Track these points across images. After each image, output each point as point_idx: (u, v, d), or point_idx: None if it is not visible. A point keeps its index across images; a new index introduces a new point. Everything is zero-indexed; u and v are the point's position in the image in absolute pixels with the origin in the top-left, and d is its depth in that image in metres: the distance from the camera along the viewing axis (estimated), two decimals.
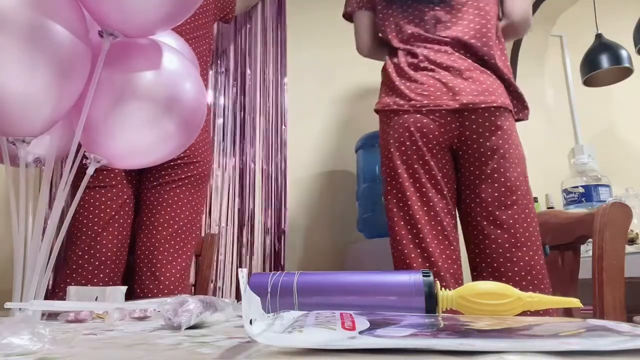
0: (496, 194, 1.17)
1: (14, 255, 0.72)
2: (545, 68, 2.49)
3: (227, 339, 0.40)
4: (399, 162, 1.20)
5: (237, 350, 0.33)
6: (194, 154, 1.31)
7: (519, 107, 1.28)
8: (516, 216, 1.15)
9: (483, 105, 1.17)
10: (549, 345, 0.26)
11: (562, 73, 2.56)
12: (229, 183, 1.86)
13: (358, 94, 2.16)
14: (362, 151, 1.87)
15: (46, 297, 0.75)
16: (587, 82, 2.32)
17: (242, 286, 0.34)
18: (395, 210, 1.19)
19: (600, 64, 2.22)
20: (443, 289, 0.47)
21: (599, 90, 2.41)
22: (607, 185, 2.10)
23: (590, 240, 0.98)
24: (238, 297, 1.67)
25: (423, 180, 1.18)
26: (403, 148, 1.19)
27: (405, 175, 1.19)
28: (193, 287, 1.54)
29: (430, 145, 1.19)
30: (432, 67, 1.23)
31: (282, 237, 1.87)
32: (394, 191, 1.20)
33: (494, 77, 1.23)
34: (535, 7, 2.32)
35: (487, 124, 1.18)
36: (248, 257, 1.82)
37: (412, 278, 0.47)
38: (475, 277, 1.19)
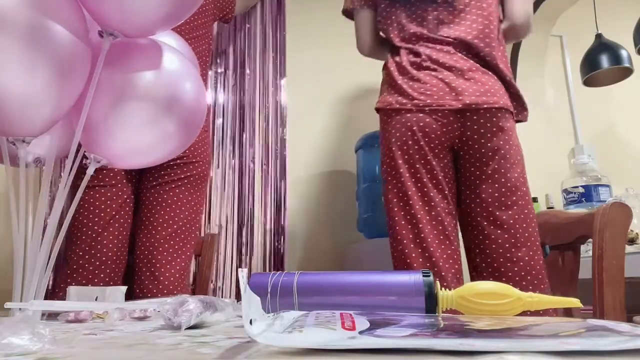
0: (496, 195, 1.17)
1: (14, 255, 0.72)
2: (545, 68, 2.49)
3: (227, 339, 0.40)
4: (400, 162, 1.19)
5: (237, 350, 0.33)
6: (194, 154, 1.31)
7: (519, 108, 1.29)
8: (516, 216, 1.16)
9: (485, 106, 1.18)
10: (549, 345, 0.26)
11: (562, 73, 2.56)
12: (229, 183, 1.87)
13: (358, 94, 2.16)
14: (362, 151, 1.87)
15: (46, 297, 0.75)
16: (587, 82, 2.32)
17: (242, 286, 0.34)
18: (396, 209, 1.19)
19: (600, 64, 2.22)
20: (443, 289, 0.47)
21: (599, 90, 2.41)
22: (607, 185, 2.10)
23: (590, 240, 0.98)
24: (238, 297, 1.67)
25: (425, 180, 1.18)
26: (405, 147, 1.19)
27: (407, 175, 1.18)
28: (193, 287, 1.54)
29: (432, 145, 1.19)
30: (435, 66, 1.23)
31: (282, 237, 1.87)
32: (395, 190, 1.20)
33: (495, 78, 1.23)
34: (535, 7, 2.32)
35: (488, 124, 1.18)
36: (248, 257, 1.82)
37: (412, 278, 0.47)
38: (475, 277, 1.19)
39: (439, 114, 1.18)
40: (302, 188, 2.00)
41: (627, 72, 2.25)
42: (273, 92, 2.01)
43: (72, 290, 0.77)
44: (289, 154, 1.98)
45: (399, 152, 1.20)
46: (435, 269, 1.12)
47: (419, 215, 1.16)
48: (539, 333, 0.31)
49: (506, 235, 1.15)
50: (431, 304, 0.46)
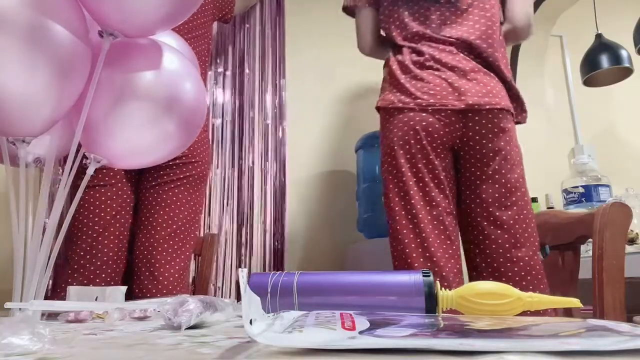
0: (497, 195, 1.17)
1: (14, 255, 0.72)
2: (545, 68, 2.49)
3: (227, 339, 0.40)
4: (402, 161, 1.19)
5: (237, 350, 0.33)
6: (193, 154, 1.31)
7: (518, 110, 1.29)
8: (516, 217, 1.16)
9: (487, 107, 1.18)
10: (549, 345, 0.26)
11: (562, 73, 2.56)
12: (228, 183, 1.87)
13: (358, 94, 2.16)
14: (362, 151, 1.87)
15: (47, 297, 0.75)
16: (587, 82, 2.32)
17: (242, 286, 0.34)
18: (397, 208, 1.18)
19: (600, 64, 2.22)
20: (443, 288, 0.47)
21: (599, 90, 2.41)
22: (607, 185, 2.10)
23: (590, 240, 0.98)
24: (238, 297, 1.67)
25: (426, 179, 1.17)
26: (407, 146, 1.19)
27: (409, 174, 1.18)
28: (192, 287, 1.54)
29: (434, 145, 1.19)
30: (438, 66, 1.22)
31: (282, 237, 1.87)
32: (396, 189, 1.19)
33: (497, 79, 1.23)
34: (535, 7, 2.32)
35: (490, 125, 1.18)
36: (248, 257, 1.82)
37: (412, 278, 0.47)
38: (474, 277, 1.19)
39: (442, 114, 1.18)
40: (302, 188, 2.00)
41: (627, 72, 2.25)
42: (272, 91, 2.01)
43: (72, 290, 0.77)
44: (289, 154, 1.98)
45: (401, 151, 1.19)
46: (436, 269, 1.12)
47: (420, 215, 1.15)
48: (539, 333, 0.31)
49: (506, 236, 1.15)
50: (431, 304, 0.46)
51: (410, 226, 1.16)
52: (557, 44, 2.58)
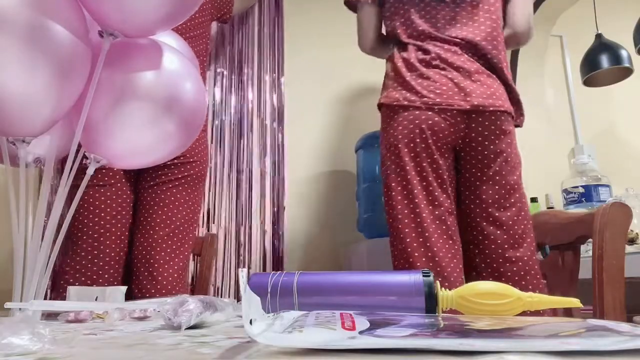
0: (496, 196, 1.18)
1: (14, 255, 0.72)
2: (545, 68, 2.49)
3: (227, 339, 0.40)
4: (407, 159, 1.18)
5: (237, 350, 0.33)
6: (191, 154, 1.30)
7: (517, 113, 1.29)
8: (515, 217, 1.17)
9: (491, 109, 1.18)
10: (549, 345, 0.26)
11: (562, 73, 2.56)
12: (227, 183, 1.87)
13: (358, 94, 2.16)
14: (362, 151, 1.87)
15: (49, 298, 0.75)
16: (587, 82, 2.32)
17: (242, 286, 0.34)
18: (400, 207, 1.17)
19: (600, 64, 2.22)
20: (444, 288, 0.47)
21: (599, 90, 2.41)
22: (607, 185, 2.10)
23: (590, 240, 0.98)
24: (238, 297, 1.67)
25: (430, 178, 1.17)
26: (412, 145, 1.18)
27: (413, 173, 1.17)
28: (192, 287, 1.54)
29: (439, 144, 1.18)
30: (444, 65, 1.22)
31: (281, 236, 1.87)
32: (399, 188, 1.18)
33: (499, 82, 1.24)
34: (535, 7, 2.32)
35: (492, 127, 1.18)
36: (247, 257, 1.82)
37: (412, 278, 0.47)
38: (473, 277, 1.19)
39: (448, 114, 1.18)
40: (302, 188, 2.00)
41: (627, 72, 2.25)
42: (271, 91, 2.01)
43: (72, 290, 0.77)
44: (289, 154, 1.98)
45: (406, 150, 1.18)
46: (439, 269, 1.11)
47: (423, 214, 1.15)
48: (539, 333, 0.31)
49: (505, 236, 1.16)
50: (431, 304, 0.46)
51: (413, 225, 1.15)
52: (557, 44, 2.58)
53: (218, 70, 1.96)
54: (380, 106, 1.29)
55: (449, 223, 1.16)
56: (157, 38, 0.83)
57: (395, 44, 1.34)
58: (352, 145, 1.94)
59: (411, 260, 1.13)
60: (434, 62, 1.23)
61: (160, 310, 0.50)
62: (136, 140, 0.80)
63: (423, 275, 0.47)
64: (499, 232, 1.16)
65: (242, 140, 1.92)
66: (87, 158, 0.80)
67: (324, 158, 2.06)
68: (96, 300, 0.76)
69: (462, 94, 1.18)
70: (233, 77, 1.98)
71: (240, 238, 1.83)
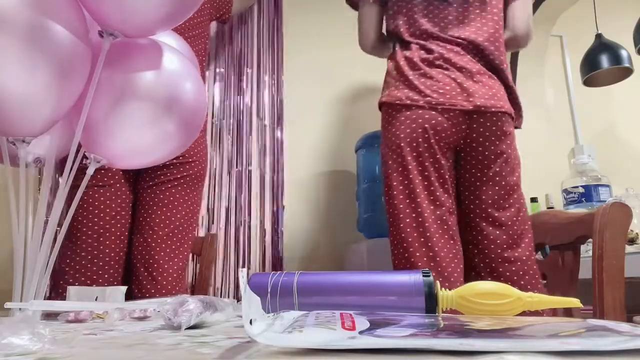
0: (496, 197, 1.18)
1: (14, 255, 0.72)
2: (545, 68, 2.49)
3: (227, 339, 0.40)
4: (409, 158, 1.17)
5: (237, 350, 0.33)
6: (190, 154, 1.30)
7: (516, 114, 1.29)
8: (514, 218, 1.18)
9: (493, 109, 1.18)
10: (549, 345, 0.26)
11: (562, 73, 2.56)
12: (226, 183, 1.87)
13: (358, 94, 2.16)
14: (362, 151, 1.87)
15: (47, 297, 0.75)
16: (587, 82, 2.32)
17: (242, 286, 0.34)
18: (401, 206, 1.17)
19: (600, 64, 2.22)
20: (445, 289, 0.47)
21: (599, 90, 2.41)
22: (607, 185, 2.10)
23: (590, 240, 0.98)
24: (238, 297, 1.67)
25: (432, 178, 1.17)
26: (414, 144, 1.18)
27: (416, 172, 1.17)
28: (192, 287, 1.54)
29: (441, 144, 1.18)
30: (447, 65, 1.22)
31: (281, 236, 1.87)
32: (401, 187, 1.18)
33: (500, 83, 1.24)
34: (535, 7, 2.32)
35: (494, 128, 1.18)
36: (247, 257, 1.82)
37: (412, 278, 0.47)
38: (473, 277, 1.19)
39: (450, 114, 1.18)
40: (302, 188, 2.00)
41: (627, 72, 2.24)
42: (270, 91, 2.01)
43: (72, 290, 0.77)
44: (289, 154, 1.98)
45: (408, 149, 1.18)
46: (440, 269, 1.11)
47: (425, 214, 1.14)
48: (539, 333, 0.31)
49: (504, 236, 1.16)
50: (431, 304, 0.45)
51: (415, 225, 1.15)
52: (557, 44, 2.58)
53: (217, 69, 1.96)
54: (381, 105, 1.28)
55: (450, 223, 1.16)
56: (157, 38, 0.83)
57: (398, 43, 1.33)
58: (352, 145, 1.94)
59: (412, 260, 1.13)
60: (437, 62, 1.22)
61: (160, 310, 0.50)
62: (136, 140, 0.80)
63: (423, 275, 0.47)
64: (498, 232, 1.17)
65: (241, 140, 1.92)
66: (87, 158, 0.80)
67: (324, 158, 2.06)
68: (96, 300, 0.76)
69: (465, 94, 1.18)
70: (232, 77, 1.97)
71: (240, 238, 1.83)
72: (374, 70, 1.67)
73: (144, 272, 1.22)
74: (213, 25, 1.90)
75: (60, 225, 0.79)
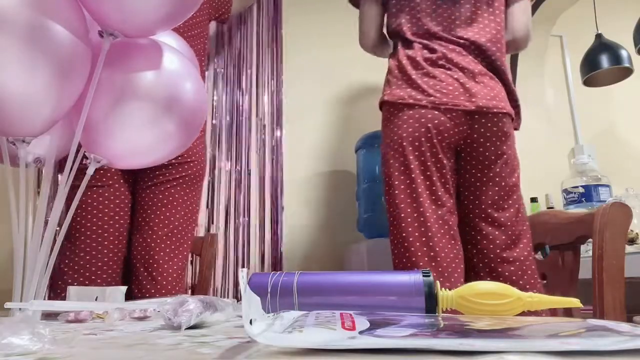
0: (496, 197, 1.19)
1: (14, 255, 0.72)
2: (545, 68, 2.49)
3: (227, 339, 0.40)
4: (412, 158, 1.17)
5: (237, 350, 0.33)
6: (189, 154, 1.30)
7: (515, 116, 1.29)
8: (513, 218, 1.18)
9: (495, 110, 1.18)
10: (549, 345, 0.26)
11: (562, 73, 2.56)
12: (227, 183, 1.87)
13: (358, 94, 2.16)
14: (362, 151, 1.87)
15: (48, 298, 0.75)
16: (587, 82, 2.32)
17: (242, 286, 0.34)
18: (402, 206, 1.16)
19: (600, 64, 2.22)
20: (445, 288, 0.47)
21: (599, 90, 2.41)
22: (607, 185, 2.10)
23: (590, 240, 0.98)
24: (238, 297, 1.67)
25: (434, 178, 1.17)
26: (417, 143, 1.17)
27: (418, 172, 1.17)
28: (192, 287, 1.54)
29: (444, 144, 1.18)
30: (450, 65, 1.22)
31: (281, 236, 1.87)
32: (403, 186, 1.17)
33: (500, 84, 1.24)
34: (535, 7, 2.32)
35: (495, 129, 1.19)
36: (247, 257, 1.82)
37: (412, 278, 0.47)
38: (472, 278, 1.19)
39: (453, 114, 1.18)
40: (302, 188, 2.00)
41: (627, 72, 2.24)
42: (270, 91, 2.01)
43: (72, 290, 0.77)
44: (289, 155, 1.98)
45: (410, 148, 1.17)
46: (440, 269, 1.11)
47: (427, 214, 1.14)
48: (539, 333, 0.31)
49: (503, 236, 1.17)
50: (431, 304, 0.46)
51: (416, 224, 1.14)
52: (557, 44, 2.58)
53: (217, 69, 1.96)
54: (382, 104, 1.28)
55: (451, 223, 1.16)
56: (157, 38, 0.83)
57: (400, 42, 1.32)
58: (352, 145, 1.94)
59: (413, 259, 1.12)
60: (440, 62, 1.22)
61: (160, 310, 0.50)
62: (136, 140, 0.80)
63: (423, 275, 0.47)
64: (497, 232, 1.17)
65: (241, 140, 1.92)
66: (87, 158, 0.80)
67: (324, 158, 2.06)
68: (96, 300, 0.76)
69: (467, 95, 1.18)
70: (232, 77, 1.98)
71: (240, 238, 1.83)
72: (374, 70, 1.67)
73: (144, 272, 1.22)
74: (212, 25, 1.90)
75: (60, 225, 0.79)
